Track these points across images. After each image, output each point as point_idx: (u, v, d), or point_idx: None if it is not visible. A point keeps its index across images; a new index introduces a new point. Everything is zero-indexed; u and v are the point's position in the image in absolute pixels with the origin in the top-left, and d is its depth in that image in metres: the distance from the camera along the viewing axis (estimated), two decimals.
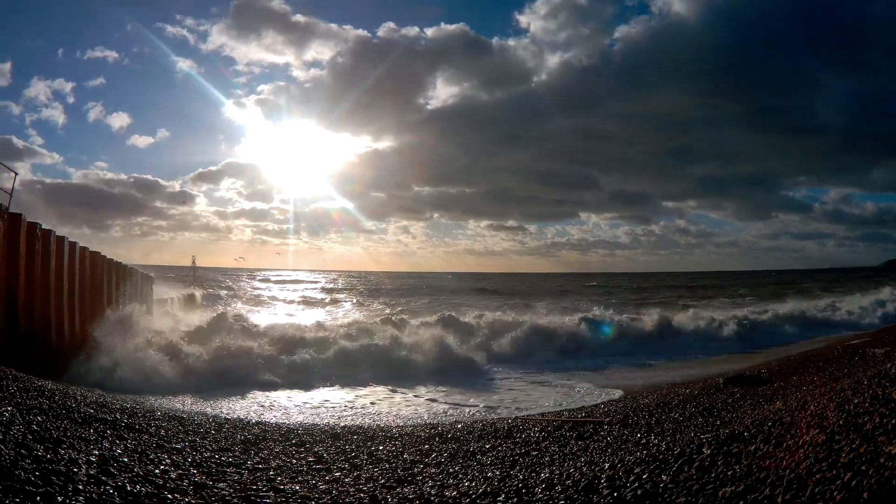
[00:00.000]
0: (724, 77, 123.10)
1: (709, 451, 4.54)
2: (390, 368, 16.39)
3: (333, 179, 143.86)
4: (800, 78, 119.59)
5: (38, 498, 3.95)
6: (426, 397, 13.57)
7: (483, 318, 24.39)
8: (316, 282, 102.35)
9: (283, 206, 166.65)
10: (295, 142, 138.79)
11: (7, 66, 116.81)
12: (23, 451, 4.80)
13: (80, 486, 4.29)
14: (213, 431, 7.81)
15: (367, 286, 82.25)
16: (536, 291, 67.92)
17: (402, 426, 9.71)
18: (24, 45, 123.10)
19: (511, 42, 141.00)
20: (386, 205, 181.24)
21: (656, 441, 6.41)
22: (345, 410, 12.07)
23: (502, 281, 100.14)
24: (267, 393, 13.87)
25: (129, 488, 4.50)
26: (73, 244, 14.19)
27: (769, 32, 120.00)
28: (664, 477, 4.13)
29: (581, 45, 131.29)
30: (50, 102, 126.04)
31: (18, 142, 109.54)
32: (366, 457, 6.97)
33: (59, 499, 4.01)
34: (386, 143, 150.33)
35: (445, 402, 13.00)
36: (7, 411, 6.12)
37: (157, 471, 5.20)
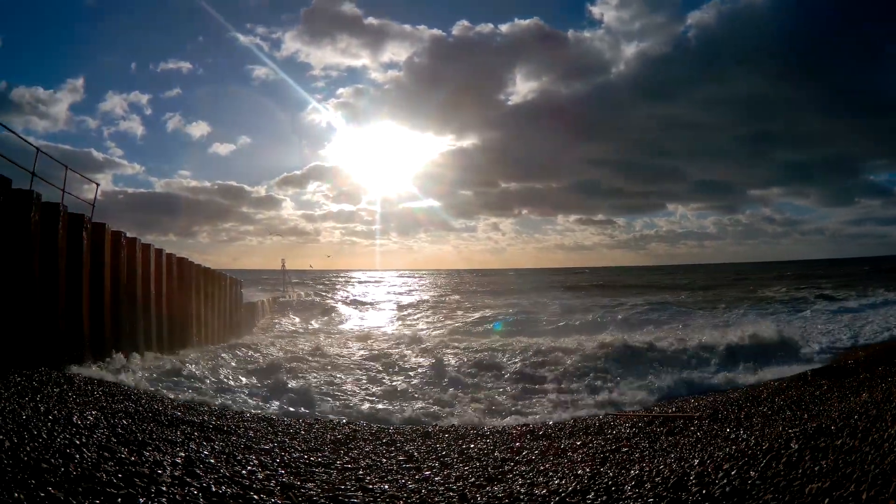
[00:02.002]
0: (798, 59, 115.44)
1: (796, 447, 4.43)
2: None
3: (419, 179, 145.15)
4: (876, 56, 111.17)
5: (119, 500, 3.71)
6: None
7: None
8: (431, 282, 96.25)
9: (370, 208, 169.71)
10: (378, 143, 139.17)
11: (79, 81, 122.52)
12: (105, 454, 4.64)
13: (164, 488, 4.07)
14: (302, 432, 7.63)
15: (491, 286, 73.73)
16: (675, 286, 58.85)
17: (495, 424, 9.31)
18: (95, 60, 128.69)
19: (586, 34, 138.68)
20: (473, 202, 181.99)
21: (745, 436, 6.17)
22: None
23: (607, 276, 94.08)
24: None
25: (213, 489, 4.26)
26: (159, 251, 14.49)
27: (842, 10, 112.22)
28: (752, 473, 4.03)
29: (656, 33, 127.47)
30: (127, 115, 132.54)
31: (98, 154, 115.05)
32: (456, 455, 6.74)
33: (141, 500, 3.76)
34: (469, 141, 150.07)
35: None
36: (91, 415, 6.06)
37: (243, 472, 5.01)
